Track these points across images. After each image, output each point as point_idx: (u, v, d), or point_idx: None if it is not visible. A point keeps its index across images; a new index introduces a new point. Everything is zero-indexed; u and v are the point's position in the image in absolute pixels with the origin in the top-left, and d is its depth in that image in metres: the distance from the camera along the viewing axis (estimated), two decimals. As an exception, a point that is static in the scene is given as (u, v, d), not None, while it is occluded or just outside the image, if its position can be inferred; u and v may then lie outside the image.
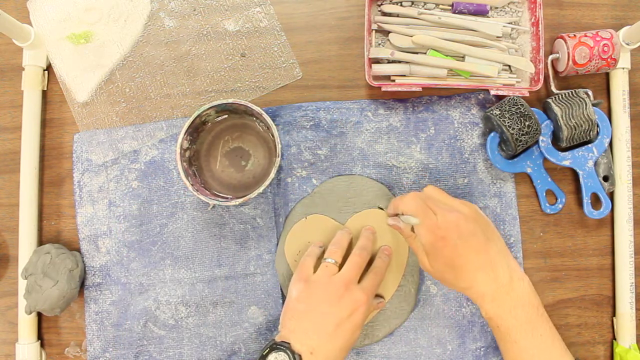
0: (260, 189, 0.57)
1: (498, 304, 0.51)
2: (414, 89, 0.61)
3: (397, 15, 0.63)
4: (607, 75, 0.65)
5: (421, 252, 0.54)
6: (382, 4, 0.64)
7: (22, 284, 0.62)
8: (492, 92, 0.61)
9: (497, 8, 0.64)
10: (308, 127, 0.64)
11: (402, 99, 0.64)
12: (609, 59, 0.60)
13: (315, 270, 0.56)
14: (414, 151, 0.64)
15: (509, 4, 0.64)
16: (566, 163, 0.61)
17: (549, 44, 0.64)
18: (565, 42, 0.61)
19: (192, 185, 0.58)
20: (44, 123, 0.66)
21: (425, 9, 0.63)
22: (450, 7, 0.64)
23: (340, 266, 0.56)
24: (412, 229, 0.55)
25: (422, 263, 0.54)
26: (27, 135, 0.64)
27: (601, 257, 0.64)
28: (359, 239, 0.59)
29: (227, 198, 0.61)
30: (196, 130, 0.61)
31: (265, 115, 0.58)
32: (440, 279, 0.54)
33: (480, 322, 0.62)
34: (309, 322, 0.52)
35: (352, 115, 0.64)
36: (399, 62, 0.63)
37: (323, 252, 0.59)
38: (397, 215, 0.57)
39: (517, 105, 0.59)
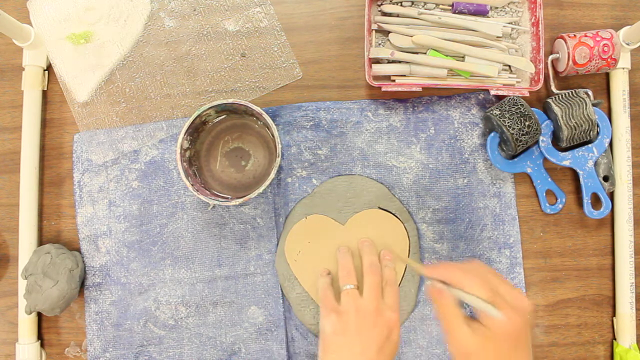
0: (260, 189, 0.57)
1: None
2: (414, 89, 0.61)
3: (397, 15, 0.63)
4: (607, 75, 0.65)
5: (462, 325, 0.47)
6: (382, 4, 0.64)
7: (22, 284, 0.62)
8: (492, 92, 0.61)
9: (497, 8, 0.64)
10: (308, 127, 0.64)
11: (402, 99, 0.64)
12: (609, 59, 0.60)
13: (337, 299, 0.56)
14: (414, 151, 0.64)
15: (509, 4, 0.64)
16: (566, 163, 0.61)
17: (549, 44, 0.64)
18: (565, 42, 0.61)
19: (192, 185, 0.58)
20: (44, 123, 0.66)
21: (425, 9, 0.63)
22: (450, 7, 0.64)
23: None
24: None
25: (462, 339, 0.47)
26: (27, 135, 0.64)
27: (601, 257, 0.64)
28: (363, 256, 0.58)
29: (227, 198, 0.61)
30: (196, 130, 0.61)
31: (265, 115, 0.58)
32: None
33: (480, 322, 0.62)
34: (350, 352, 0.52)
35: (352, 115, 0.64)
36: (399, 62, 0.63)
37: (331, 278, 0.59)
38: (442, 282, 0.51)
39: (517, 105, 0.59)
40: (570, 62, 0.60)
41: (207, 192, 0.60)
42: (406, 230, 0.62)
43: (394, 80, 0.63)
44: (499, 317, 0.46)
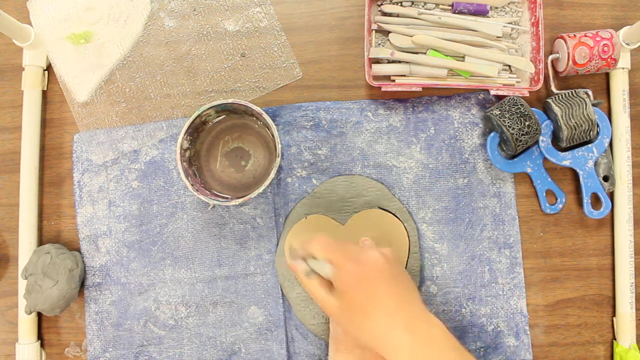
0: (260, 189, 0.57)
1: (419, 356, 0.45)
2: (414, 89, 0.61)
3: (397, 15, 0.63)
4: (607, 75, 0.65)
5: (323, 293, 0.49)
6: (382, 4, 0.64)
7: (22, 284, 0.62)
8: (492, 92, 0.61)
9: (497, 8, 0.64)
10: (308, 127, 0.64)
11: (402, 99, 0.64)
12: (609, 59, 0.60)
13: None
14: (414, 151, 0.64)
15: (509, 4, 0.64)
16: (566, 163, 0.61)
17: (549, 44, 0.64)
18: (565, 42, 0.61)
19: (192, 185, 0.58)
20: (44, 123, 0.66)
21: (425, 9, 0.63)
22: (450, 7, 0.64)
23: None
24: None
25: (326, 304, 0.49)
26: (27, 135, 0.64)
27: (601, 257, 0.64)
28: None
29: (227, 198, 0.61)
30: (196, 130, 0.61)
31: (265, 115, 0.58)
32: (347, 324, 0.49)
33: (480, 322, 0.62)
34: (362, 350, 0.53)
35: (352, 115, 0.64)
36: (399, 62, 0.63)
37: None
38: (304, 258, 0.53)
39: (517, 105, 0.59)
40: (570, 62, 0.60)
41: (207, 192, 0.60)
42: (406, 230, 0.62)
43: (393, 80, 0.63)
44: (327, 270, 0.48)
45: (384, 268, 0.48)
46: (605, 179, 0.62)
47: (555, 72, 0.64)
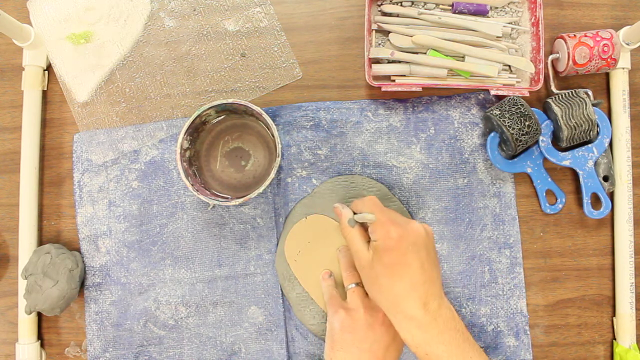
0: (260, 189, 0.57)
1: (425, 329, 0.49)
2: (414, 89, 0.61)
3: (397, 15, 0.63)
4: (607, 75, 0.65)
5: (361, 243, 0.53)
6: (382, 4, 0.64)
7: (22, 284, 0.62)
8: (492, 92, 0.61)
9: (497, 8, 0.64)
10: (308, 127, 0.64)
11: (402, 99, 0.64)
12: (609, 59, 0.60)
13: (343, 299, 0.58)
14: (414, 151, 0.64)
15: (509, 4, 0.64)
16: (566, 163, 0.61)
17: (549, 44, 0.64)
18: (565, 42, 0.61)
19: (192, 185, 0.58)
20: (44, 123, 0.66)
21: (425, 9, 0.63)
22: (450, 7, 0.64)
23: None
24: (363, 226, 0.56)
25: (361, 255, 0.53)
26: (27, 135, 0.64)
27: (601, 257, 0.64)
28: None
29: (227, 198, 0.61)
30: (196, 130, 0.61)
31: (265, 115, 0.58)
32: (371, 281, 0.52)
33: (480, 322, 0.62)
34: (359, 350, 0.53)
35: (352, 115, 0.64)
36: (399, 62, 0.63)
37: (334, 280, 0.61)
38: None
39: (517, 105, 0.59)
40: (570, 62, 0.60)
41: (207, 192, 0.60)
42: (406, 230, 0.62)
43: (394, 80, 0.63)
44: (371, 217, 0.53)
45: (423, 239, 0.52)
46: (605, 179, 0.62)
47: (555, 72, 0.64)
